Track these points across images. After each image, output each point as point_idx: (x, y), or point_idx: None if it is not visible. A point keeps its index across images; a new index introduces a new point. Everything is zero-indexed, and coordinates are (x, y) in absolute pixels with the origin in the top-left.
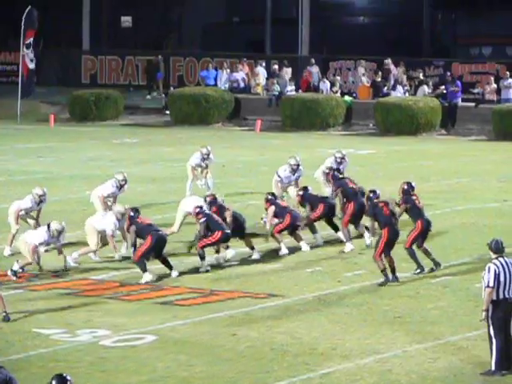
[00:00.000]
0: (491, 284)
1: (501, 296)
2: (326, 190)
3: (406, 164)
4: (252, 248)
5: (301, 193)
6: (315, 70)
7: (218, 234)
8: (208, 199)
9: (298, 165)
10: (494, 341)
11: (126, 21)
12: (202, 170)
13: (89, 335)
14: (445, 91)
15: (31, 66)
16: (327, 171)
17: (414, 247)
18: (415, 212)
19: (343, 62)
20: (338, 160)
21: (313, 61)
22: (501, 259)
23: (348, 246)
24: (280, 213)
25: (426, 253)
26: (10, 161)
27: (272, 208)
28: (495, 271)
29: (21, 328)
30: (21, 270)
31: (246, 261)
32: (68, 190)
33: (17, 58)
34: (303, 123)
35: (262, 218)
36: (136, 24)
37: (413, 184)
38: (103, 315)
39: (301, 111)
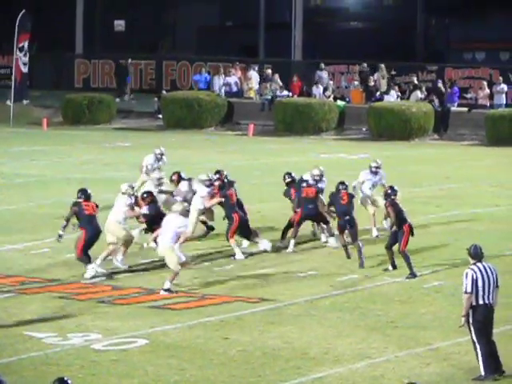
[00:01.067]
0: (469, 290)
1: (480, 301)
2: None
3: (399, 169)
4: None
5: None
6: (325, 74)
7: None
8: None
9: (322, 175)
10: (477, 346)
11: (119, 25)
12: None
13: (80, 339)
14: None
15: (24, 69)
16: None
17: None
18: (401, 216)
19: (336, 66)
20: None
21: (322, 65)
22: (479, 264)
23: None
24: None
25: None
26: (3, 164)
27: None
28: (473, 277)
29: (12, 331)
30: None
31: (237, 265)
32: (61, 193)
33: (10, 61)
34: (296, 128)
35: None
36: (129, 28)
37: (395, 188)
38: (95, 319)
39: (294, 116)
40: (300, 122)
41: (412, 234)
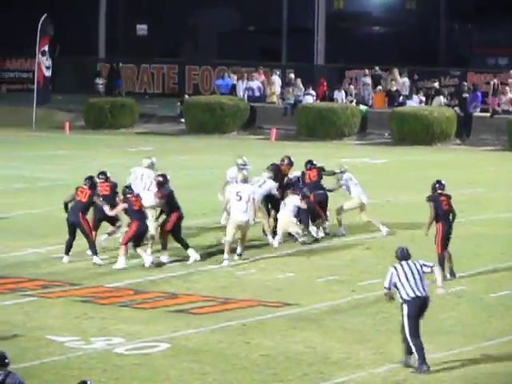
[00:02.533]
0: (386, 285)
1: (412, 295)
2: None
3: (421, 174)
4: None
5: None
6: (368, 80)
7: None
8: None
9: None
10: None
11: (142, 29)
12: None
13: (103, 343)
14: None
15: (47, 73)
16: None
17: None
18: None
19: (358, 71)
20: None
21: (366, 71)
22: (403, 262)
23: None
24: None
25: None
26: (25, 168)
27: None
28: (392, 274)
29: (35, 335)
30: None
31: (260, 269)
32: None
33: (32, 65)
34: (318, 132)
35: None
36: (152, 32)
37: (442, 182)
38: (117, 323)
39: (316, 120)
40: (322, 127)
41: (444, 235)
